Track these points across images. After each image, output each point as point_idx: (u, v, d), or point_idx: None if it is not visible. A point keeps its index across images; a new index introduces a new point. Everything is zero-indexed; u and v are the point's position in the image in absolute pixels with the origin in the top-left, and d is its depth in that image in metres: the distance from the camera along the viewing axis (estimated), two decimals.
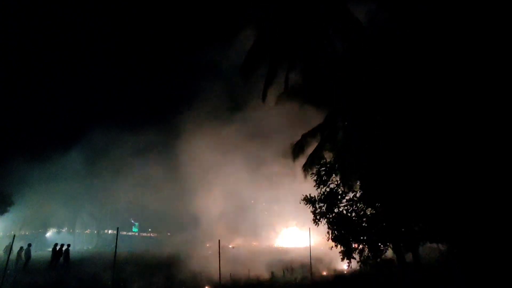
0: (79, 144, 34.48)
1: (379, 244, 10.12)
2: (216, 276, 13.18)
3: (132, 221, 47.75)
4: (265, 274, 14.52)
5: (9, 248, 13.35)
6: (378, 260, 10.14)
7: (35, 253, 20.58)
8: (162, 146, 31.69)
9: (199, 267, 15.05)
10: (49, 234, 39.32)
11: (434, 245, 10.12)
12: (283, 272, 14.70)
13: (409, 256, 10.32)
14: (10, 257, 13.01)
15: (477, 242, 7.77)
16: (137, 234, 48.53)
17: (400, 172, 9.00)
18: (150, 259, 21.84)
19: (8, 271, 13.08)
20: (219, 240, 14.13)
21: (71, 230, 41.29)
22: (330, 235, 10.67)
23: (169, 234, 45.34)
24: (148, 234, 49.70)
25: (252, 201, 28.22)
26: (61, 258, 17.61)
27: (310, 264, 15.26)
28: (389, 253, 10.51)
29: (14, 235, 14.14)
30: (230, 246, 29.34)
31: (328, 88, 11.44)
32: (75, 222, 41.26)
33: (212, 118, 27.99)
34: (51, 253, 18.13)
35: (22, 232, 33.37)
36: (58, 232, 39.81)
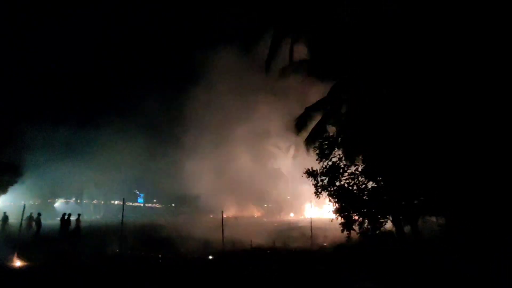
0: (86, 115, 34.70)
1: (379, 216, 10.33)
2: (219, 244, 13.72)
3: (137, 192, 48.88)
4: (267, 243, 14.99)
5: (21, 217, 13.86)
6: (377, 232, 10.39)
7: (44, 222, 21.28)
8: (168, 119, 31.80)
9: (203, 236, 15.56)
10: (57, 204, 40.44)
11: (433, 218, 10.32)
12: (285, 241, 15.19)
13: (407, 229, 10.57)
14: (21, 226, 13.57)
15: (475, 215, 7.91)
16: (142, 204, 49.82)
17: (403, 146, 9.01)
18: (155, 228, 22.55)
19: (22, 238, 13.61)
20: (222, 211, 14.57)
21: (78, 201, 42.45)
22: (331, 208, 10.89)
23: (173, 205, 46.50)
24: (154, 205, 50.97)
25: (255, 175, 28.57)
26: (70, 227, 18.24)
27: (311, 234, 15.71)
28: (388, 225, 10.75)
29: (24, 205, 14.60)
30: (229, 216, 30.06)
31: (334, 59, 11.19)
32: (82, 193, 42.32)
33: (216, 93, 27.79)
34: (59, 222, 18.74)
35: (31, 202, 34.32)
36: (67, 203, 40.95)
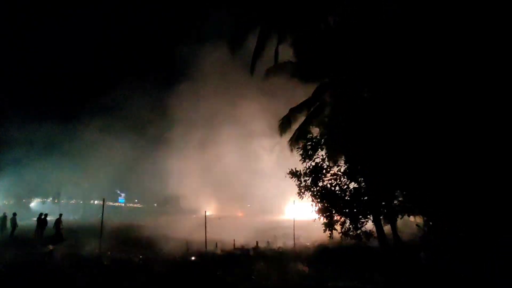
0: (64, 113, 33.65)
1: (360, 216, 10.54)
2: (202, 245, 13.63)
3: (118, 192, 47.79)
4: (249, 244, 14.98)
5: None
6: (358, 231, 10.60)
7: (19, 222, 20.48)
8: (151, 118, 31.30)
9: (186, 236, 15.39)
10: (33, 204, 39.07)
11: (411, 218, 10.62)
12: (267, 242, 15.22)
13: (387, 229, 10.84)
14: None
15: (451, 216, 8.17)
16: (123, 204, 48.77)
17: (383, 147, 9.21)
18: (136, 228, 22.13)
19: None
20: (205, 211, 14.47)
21: (56, 200, 41.08)
22: (314, 208, 11.02)
23: (155, 205, 45.76)
24: (135, 205, 50.03)
25: (238, 174, 28.51)
26: (47, 227, 17.64)
27: (294, 235, 15.83)
28: (369, 225, 10.98)
29: None
30: (212, 216, 29.88)
31: (318, 62, 11.28)
32: (60, 192, 41.02)
33: (200, 92, 27.60)
34: (36, 222, 18.08)
35: (5, 202, 33.02)
36: (43, 202, 39.60)
